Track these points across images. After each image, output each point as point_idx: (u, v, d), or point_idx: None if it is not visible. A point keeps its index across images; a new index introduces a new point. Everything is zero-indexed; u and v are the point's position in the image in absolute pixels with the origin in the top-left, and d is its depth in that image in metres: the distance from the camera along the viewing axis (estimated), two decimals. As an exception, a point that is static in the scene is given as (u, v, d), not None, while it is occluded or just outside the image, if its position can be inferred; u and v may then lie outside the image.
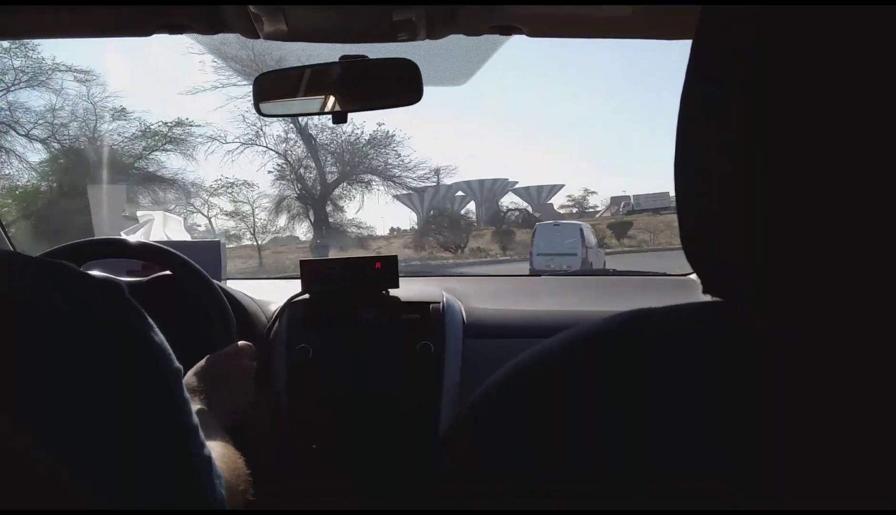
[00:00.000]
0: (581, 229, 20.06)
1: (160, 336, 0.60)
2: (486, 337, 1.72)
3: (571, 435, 0.40)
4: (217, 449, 0.96)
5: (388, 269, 1.74)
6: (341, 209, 27.54)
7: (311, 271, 1.74)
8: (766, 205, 0.37)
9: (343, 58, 1.24)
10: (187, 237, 2.12)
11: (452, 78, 1.42)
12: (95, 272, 1.54)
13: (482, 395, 0.46)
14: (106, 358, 0.54)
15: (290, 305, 1.73)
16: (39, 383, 0.51)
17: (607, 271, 2.45)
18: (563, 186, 44.01)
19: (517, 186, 43.17)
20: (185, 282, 1.46)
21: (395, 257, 1.79)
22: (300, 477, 1.63)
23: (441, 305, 1.72)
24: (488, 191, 40.52)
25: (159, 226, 1.98)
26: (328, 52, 1.28)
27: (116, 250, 1.49)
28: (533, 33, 1.13)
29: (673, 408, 0.38)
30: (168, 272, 1.57)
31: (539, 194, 42.51)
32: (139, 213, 2.08)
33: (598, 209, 43.80)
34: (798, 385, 0.37)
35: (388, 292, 1.75)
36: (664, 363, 0.40)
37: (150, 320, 0.60)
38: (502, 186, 41.60)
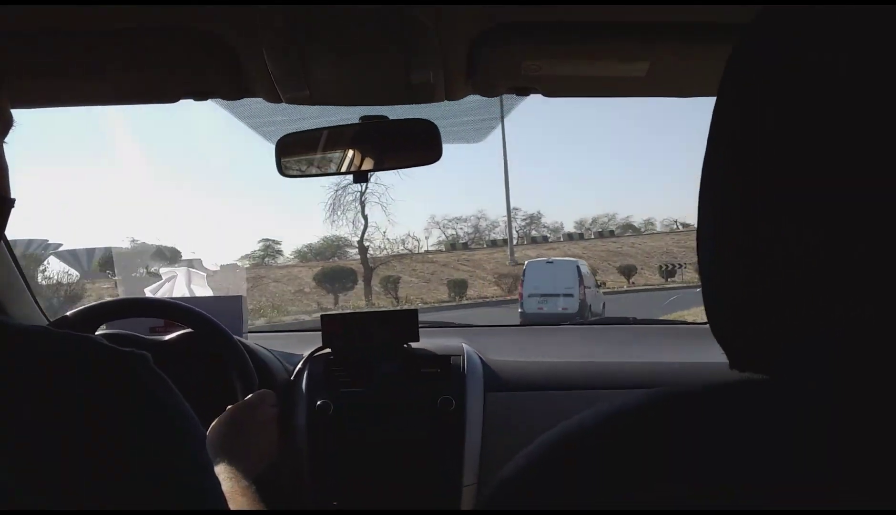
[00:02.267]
0: (578, 267, 17.72)
1: (185, 404, 0.61)
2: (507, 390, 1.71)
3: None
4: (239, 501, 0.96)
5: (408, 323, 1.75)
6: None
7: (331, 326, 1.75)
8: (805, 272, 0.37)
9: (363, 118, 1.27)
10: (209, 292, 2.15)
11: (470, 136, 1.44)
12: (119, 331, 1.57)
13: (508, 478, 0.44)
14: (132, 431, 0.56)
15: (311, 359, 1.73)
16: (65, 459, 0.52)
17: (627, 320, 2.43)
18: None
19: (61, 248, 34.19)
20: (207, 339, 1.48)
21: (416, 310, 1.80)
22: None
23: (461, 358, 1.72)
24: (21, 255, 28.21)
25: (183, 282, 2.00)
26: (348, 112, 1.31)
27: (138, 309, 1.51)
28: (549, 93, 1.15)
29: (716, 493, 0.38)
30: (190, 329, 1.58)
31: (89, 258, 33.44)
32: (163, 269, 2.11)
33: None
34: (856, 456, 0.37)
35: (409, 346, 1.75)
36: (703, 446, 0.40)
37: (175, 389, 0.61)
38: (41, 247, 32.01)
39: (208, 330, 1.47)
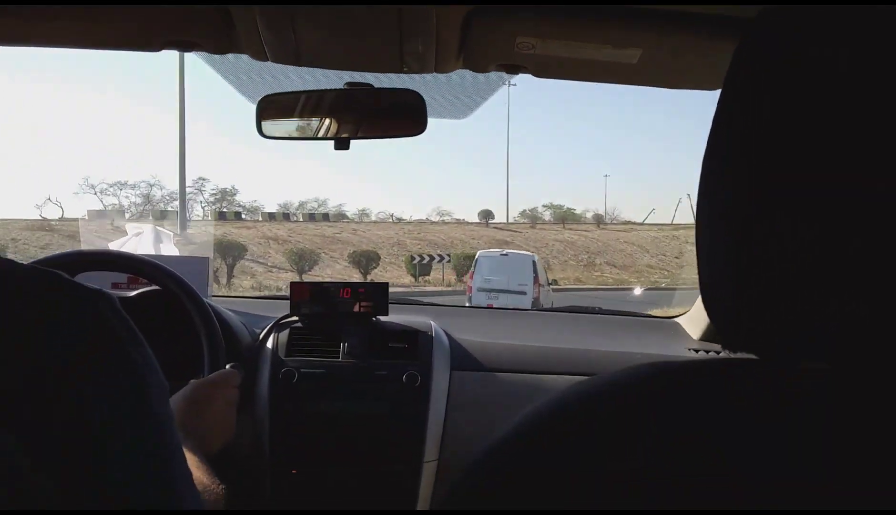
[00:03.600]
0: (534, 262, 16.28)
1: (148, 351, 0.59)
2: (472, 369, 1.72)
3: (585, 495, 0.39)
4: (199, 478, 0.95)
5: (378, 296, 1.74)
6: None
7: (300, 294, 1.74)
8: (801, 267, 0.37)
9: (349, 84, 1.25)
10: (176, 252, 2.11)
11: (456, 111, 1.43)
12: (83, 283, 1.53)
13: (490, 452, 0.44)
14: (93, 369, 0.54)
15: (278, 326, 1.72)
16: (25, 389, 0.51)
17: (593, 310, 2.46)
18: None
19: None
20: (175, 299, 1.45)
21: (387, 284, 1.79)
22: (279, 503, 1.61)
23: (430, 334, 1.71)
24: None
25: (149, 240, 1.96)
26: (334, 77, 1.29)
27: (109, 262, 1.48)
28: (539, 74, 1.15)
29: (702, 468, 0.38)
30: (155, 288, 1.55)
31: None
32: (128, 225, 2.07)
33: None
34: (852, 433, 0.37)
35: (377, 319, 1.75)
36: (692, 420, 0.40)
37: (140, 334, 0.59)
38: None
39: (179, 291, 1.44)
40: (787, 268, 0.38)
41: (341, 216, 42.03)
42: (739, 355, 0.44)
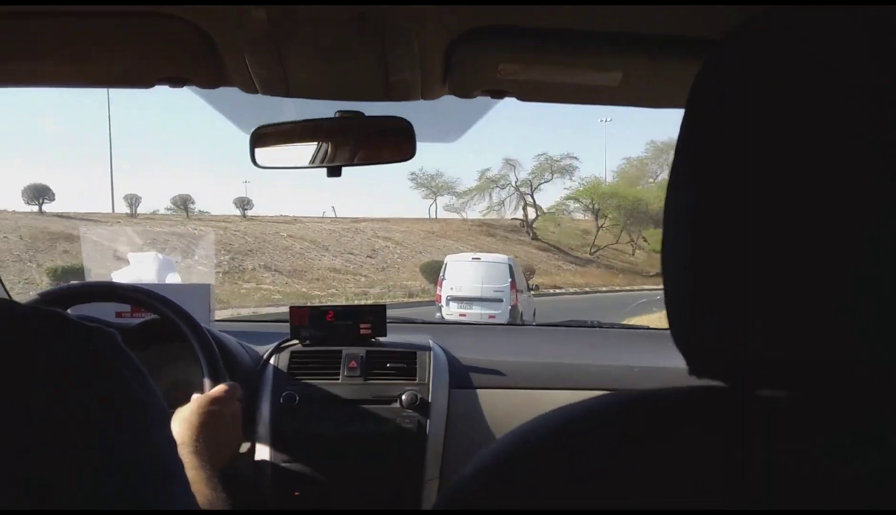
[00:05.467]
0: (510, 267, 14.46)
1: (149, 381, 0.61)
2: (472, 387, 1.73)
3: None
4: (206, 494, 0.97)
5: (376, 317, 1.77)
6: None
7: (299, 317, 1.76)
8: (769, 281, 0.38)
9: (339, 113, 1.28)
10: (179, 280, 2.14)
11: (445, 135, 1.45)
12: (85, 315, 1.56)
13: (467, 477, 0.45)
14: (95, 406, 0.56)
15: (278, 350, 1.74)
16: (28, 430, 0.52)
17: (593, 324, 2.47)
18: None
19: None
20: (174, 327, 1.47)
21: (384, 306, 1.81)
22: None
23: (428, 354, 1.74)
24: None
25: (151, 268, 1.99)
26: (325, 105, 1.32)
27: (105, 294, 1.51)
28: (523, 98, 1.17)
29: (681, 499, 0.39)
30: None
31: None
32: (131, 254, 2.10)
33: None
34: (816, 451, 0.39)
35: (376, 340, 1.77)
36: (664, 445, 0.41)
37: (141, 366, 0.61)
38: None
39: (177, 318, 1.47)
40: (749, 295, 0.39)
41: None
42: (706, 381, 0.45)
